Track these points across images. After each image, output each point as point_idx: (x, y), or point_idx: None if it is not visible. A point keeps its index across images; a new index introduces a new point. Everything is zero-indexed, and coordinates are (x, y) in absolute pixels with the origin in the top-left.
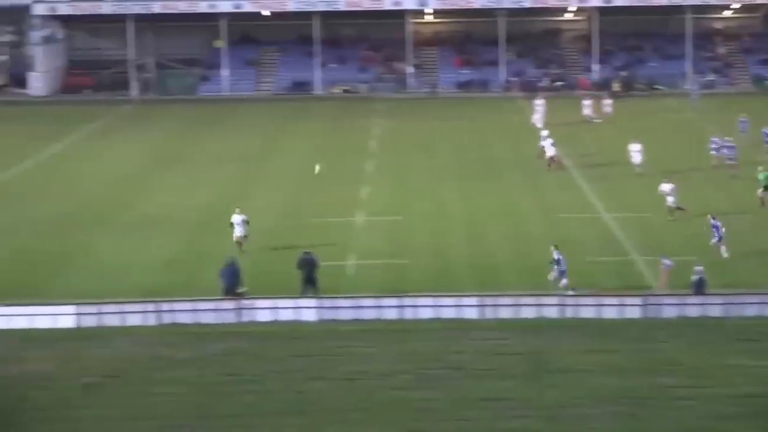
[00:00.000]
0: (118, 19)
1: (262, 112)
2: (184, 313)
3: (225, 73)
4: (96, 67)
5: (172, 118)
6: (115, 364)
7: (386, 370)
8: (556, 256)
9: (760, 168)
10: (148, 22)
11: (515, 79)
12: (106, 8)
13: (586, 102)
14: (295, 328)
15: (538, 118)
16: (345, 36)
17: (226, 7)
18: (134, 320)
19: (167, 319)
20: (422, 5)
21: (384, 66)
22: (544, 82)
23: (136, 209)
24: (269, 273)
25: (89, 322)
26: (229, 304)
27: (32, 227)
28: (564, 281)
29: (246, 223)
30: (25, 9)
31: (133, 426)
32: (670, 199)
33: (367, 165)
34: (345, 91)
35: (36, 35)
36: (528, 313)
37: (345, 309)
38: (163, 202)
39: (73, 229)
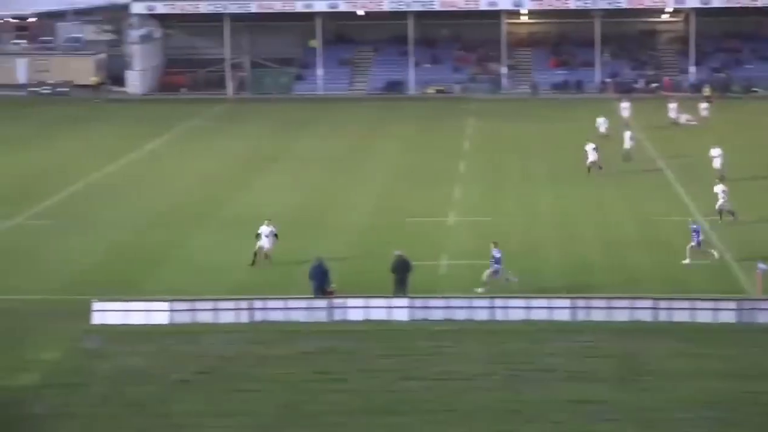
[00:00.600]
0: (214, 19)
1: (355, 112)
2: (276, 311)
3: (319, 72)
4: (192, 66)
5: (267, 117)
6: (206, 360)
7: (477, 371)
8: (496, 254)
9: None
10: (245, 21)
11: (610, 80)
12: (203, 7)
13: (672, 105)
14: (386, 327)
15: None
16: (439, 36)
17: (321, 7)
18: (227, 317)
19: (259, 316)
20: (517, 5)
21: (478, 66)
22: (640, 84)
23: (231, 207)
24: (362, 272)
25: (182, 318)
26: (321, 303)
27: (129, 223)
28: (494, 275)
29: (275, 236)
30: (123, 8)
31: (224, 422)
32: (721, 201)
33: (460, 165)
34: (439, 91)
35: (134, 34)
36: (620, 315)
37: (436, 309)
38: (257, 201)
39: (169, 225)
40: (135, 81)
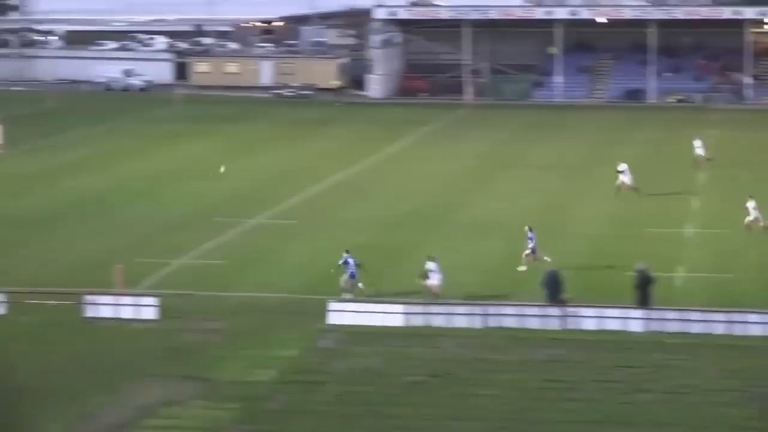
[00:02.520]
0: (454, 25)
1: (594, 120)
2: (509, 317)
3: (558, 79)
4: (430, 71)
5: (505, 123)
6: (439, 364)
7: (713, 386)
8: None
9: None
10: (484, 27)
11: None
12: (444, 14)
13: None
14: (620, 337)
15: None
16: (681, 45)
17: (562, 14)
18: (460, 322)
19: (493, 322)
20: (762, 15)
21: (720, 76)
22: None
23: (467, 212)
24: (597, 281)
25: (417, 321)
26: (554, 311)
27: (367, 225)
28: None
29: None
30: (366, 13)
31: (456, 426)
32: (753, 214)
33: (698, 176)
34: (679, 100)
35: (376, 39)
36: None
37: (672, 321)
38: (494, 206)
39: (405, 228)
40: (376, 85)
